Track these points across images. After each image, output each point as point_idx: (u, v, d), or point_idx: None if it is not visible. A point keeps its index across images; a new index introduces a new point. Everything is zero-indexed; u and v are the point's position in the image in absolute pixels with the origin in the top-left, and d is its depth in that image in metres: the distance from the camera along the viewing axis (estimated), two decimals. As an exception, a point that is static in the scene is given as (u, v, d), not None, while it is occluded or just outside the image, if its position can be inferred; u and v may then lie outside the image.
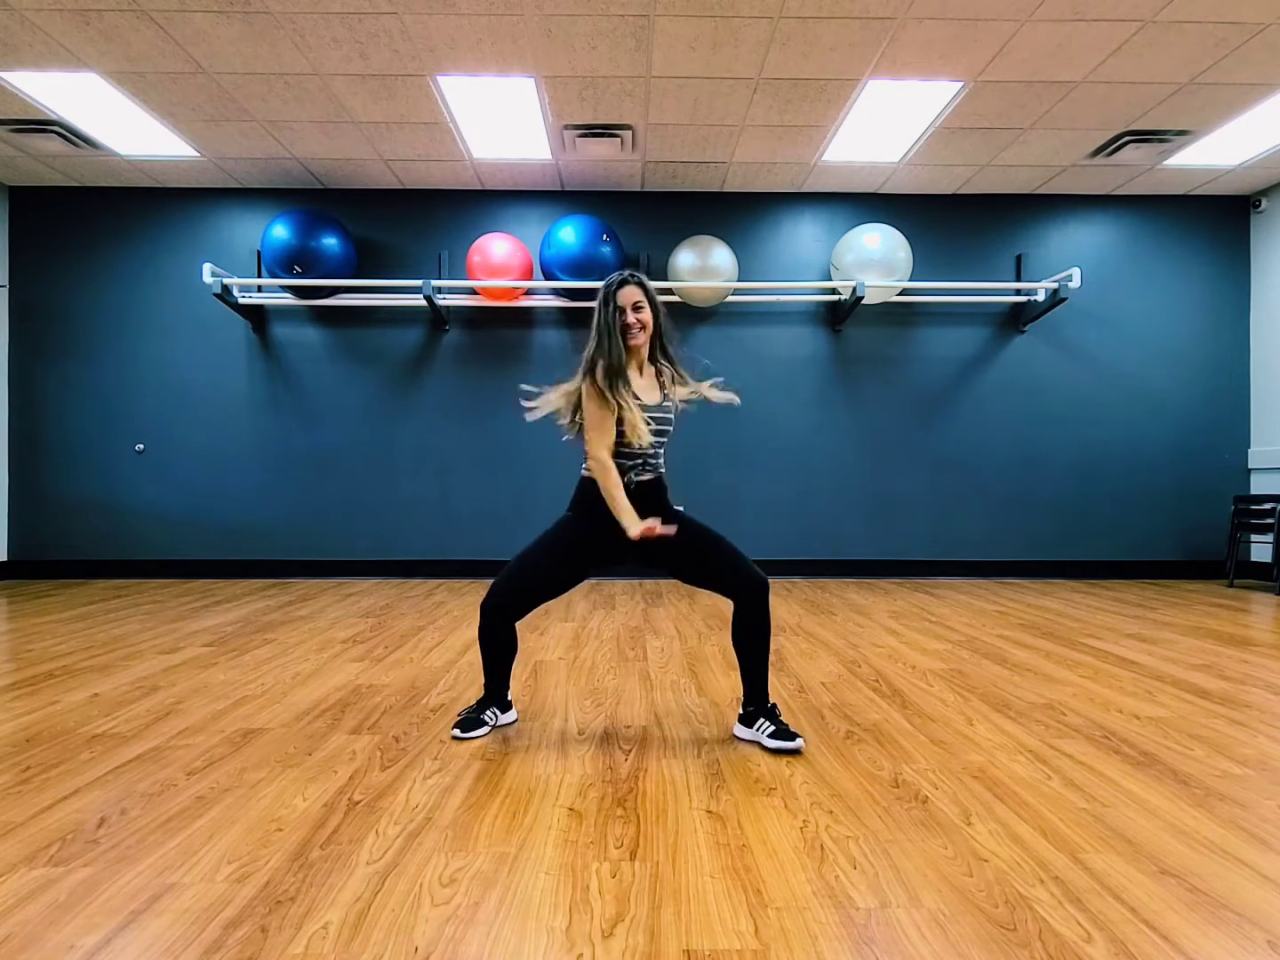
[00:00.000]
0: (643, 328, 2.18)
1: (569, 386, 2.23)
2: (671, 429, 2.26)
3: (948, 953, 1.19)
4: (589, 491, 2.16)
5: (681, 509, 2.25)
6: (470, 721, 2.22)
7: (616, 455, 2.15)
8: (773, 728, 2.13)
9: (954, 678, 2.85)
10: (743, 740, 2.18)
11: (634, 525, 2.06)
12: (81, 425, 5.54)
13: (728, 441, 5.57)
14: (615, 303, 2.17)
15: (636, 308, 2.17)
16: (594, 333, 2.18)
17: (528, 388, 2.26)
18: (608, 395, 2.10)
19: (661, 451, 2.25)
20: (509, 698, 2.36)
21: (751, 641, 2.17)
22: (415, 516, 5.59)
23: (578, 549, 2.19)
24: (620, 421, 2.12)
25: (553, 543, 2.20)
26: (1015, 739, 2.17)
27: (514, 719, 2.35)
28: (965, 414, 5.68)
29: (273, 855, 1.48)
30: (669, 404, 2.26)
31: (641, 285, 2.20)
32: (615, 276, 2.22)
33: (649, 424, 2.13)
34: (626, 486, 2.14)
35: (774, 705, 2.21)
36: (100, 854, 1.49)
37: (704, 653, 3.27)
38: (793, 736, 2.09)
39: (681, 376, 2.30)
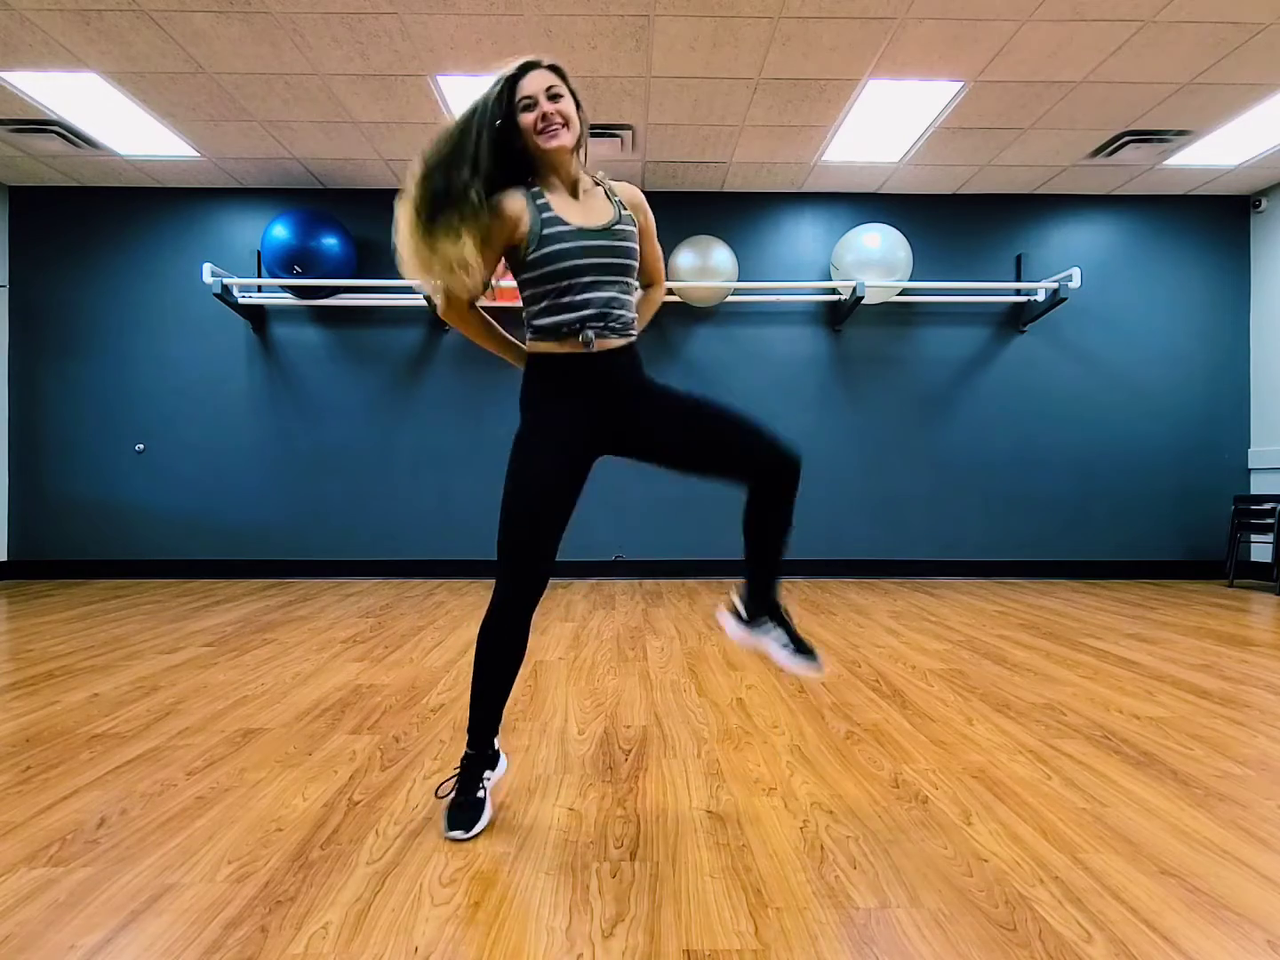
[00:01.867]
0: (565, 123, 1.53)
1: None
2: (626, 260, 1.59)
3: (948, 953, 1.19)
4: (526, 376, 1.64)
5: (667, 386, 1.64)
6: (466, 811, 1.55)
7: (546, 310, 1.57)
8: (787, 638, 1.62)
9: (954, 678, 2.85)
10: (731, 634, 1.68)
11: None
12: (81, 425, 5.54)
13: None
14: (517, 93, 1.52)
15: (553, 95, 1.53)
16: (455, 129, 1.48)
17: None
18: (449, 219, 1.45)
19: (623, 298, 1.59)
20: (497, 746, 1.67)
21: (769, 530, 1.64)
22: (415, 516, 5.59)
23: (547, 454, 1.58)
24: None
25: (519, 466, 1.60)
26: (1015, 739, 2.17)
27: (503, 769, 1.73)
28: (965, 414, 5.68)
29: (273, 855, 1.48)
30: (623, 226, 1.59)
31: (555, 70, 1.56)
32: (512, 63, 1.55)
33: (580, 252, 1.53)
34: (572, 352, 1.56)
35: (786, 610, 1.67)
36: (100, 854, 1.49)
37: (704, 653, 3.27)
38: (813, 653, 1.57)
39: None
